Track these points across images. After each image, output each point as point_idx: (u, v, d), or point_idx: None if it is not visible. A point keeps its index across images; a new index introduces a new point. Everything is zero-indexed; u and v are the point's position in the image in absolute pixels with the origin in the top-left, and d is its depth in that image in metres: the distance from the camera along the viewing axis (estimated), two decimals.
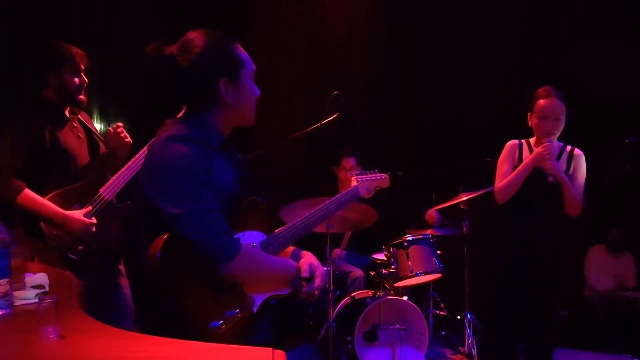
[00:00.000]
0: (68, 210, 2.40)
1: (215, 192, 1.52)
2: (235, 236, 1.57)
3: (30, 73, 2.64)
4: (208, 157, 1.52)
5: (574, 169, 2.83)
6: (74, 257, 2.40)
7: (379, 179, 2.22)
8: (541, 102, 2.79)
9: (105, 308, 2.43)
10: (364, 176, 2.19)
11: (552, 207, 2.80)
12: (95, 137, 2.68)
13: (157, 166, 1.50)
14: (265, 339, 1.58)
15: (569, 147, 2.87)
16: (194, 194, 1.45)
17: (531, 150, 2.88)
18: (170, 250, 1.44)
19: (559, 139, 2.84)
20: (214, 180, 1.52)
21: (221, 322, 1.45)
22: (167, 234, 1.44)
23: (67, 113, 2.59)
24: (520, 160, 2.88)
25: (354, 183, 2.12)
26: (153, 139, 1.60)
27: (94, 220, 2.45)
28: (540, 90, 2.84)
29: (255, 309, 1.57)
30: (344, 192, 2.08)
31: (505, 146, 2.97)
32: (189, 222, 1.43)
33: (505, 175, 2.87)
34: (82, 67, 2.54)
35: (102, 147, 2.67)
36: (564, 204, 2.76)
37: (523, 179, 2.81)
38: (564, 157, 2.85)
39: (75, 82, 2.51)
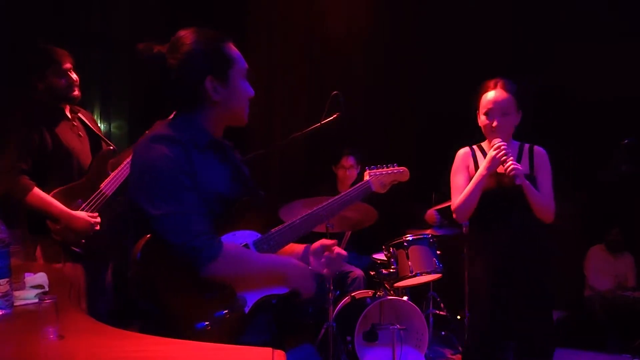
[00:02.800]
0: (71, 205, 2.49)
1: (204, 192, 1.51)
2: (227, 235, 1.56)
3: (22, 77, 2.71)
4: (192, 158, 1.51)
5: (537, 169, 2.45)
6: (77, 250, 2.50)
7: (397, 172, 2.08)
8: (486, 95, 2.43)
9: (103, 299, 2.63)
10: (379, 170, 2.07)
11: (522, 216, 2.41)
12: (97, 135, 2.74)
13: (139, 167, 1.51)
14: (260, 339, 1.55)
15: (527, 145, 2.51)
16: (173, 195, 1.44)
17: (485, 156, 2.45)
18: (151, 251, 1.44)
19: (517, 138, 2.51)
20: (201, 180, 1.51)
21: (207, 323, 1.44)
22: (149, 235, 1.45)
23: (67, 113, 2.65)
24: (476, 169, 2.46)
25: (366, 177, 2.02)
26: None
27: (97, 219, 2.54)
28: (488, 82, 2.47)
29: (247, 309, 1.54)
30: (354, 187, 1.96)
31: (456, 156, 2.57)
32: (167, 224, 1.42)
33: (460, 190, 2.45)
34: (67, 66, 2.59)
35: (104, 145, 2.73)
36: (532, 210, 2.39)
37: (480, 191, 2.40)
38: (525, 157, 2.48)
39: (62, 83, 2.57)
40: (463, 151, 2.58)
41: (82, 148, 2.64)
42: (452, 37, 4.71)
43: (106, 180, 2.58)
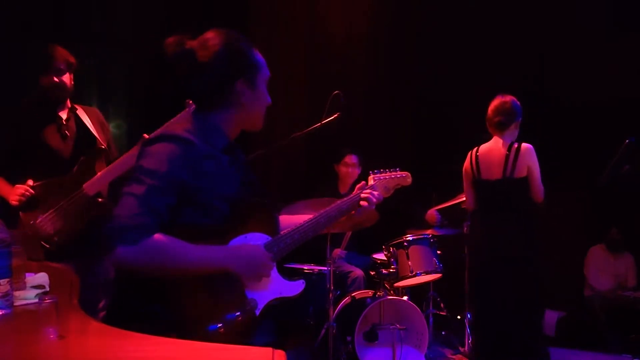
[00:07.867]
0: (47, 200, 2.50)
1: (215, 193, 1.50)
2: (239, 237, 1.55)
3: (32, 73, 2.77)
4: (204, 159, 1.50)
5: None
6: (47, 245, 2.47)
7: (400, 177, 2.12)
8: None
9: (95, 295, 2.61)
10: (382, 175, 2.10)
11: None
12: (93, 134, 2.72)
13: (139, 160, 1.49)
14: (266, 341, 1.55)
15: None
16: (145, 185, 1.40)
17: None
18: None
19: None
20: (211, 181, 1.50)
21: (220, 325, 1.44)
22: None
23: (64, 111, 2.68)
24: None
25: (371, 182, 2.07)
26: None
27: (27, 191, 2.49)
28: None
29: (257, 311, 1.55)
30: (359, 191, 2.00)
31: (533, 149, 3.03)
32: (121, 202, 1.40)
33: None
34: (59, 66, 2.60)
35: (98, 144, 2.71)
36: None
37: None
38: None
39: (47, 83, 2.59)
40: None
41: (63, 147, 2.63)
42: (452, 37, 4.71)
43: (91, 180, 2.54)
